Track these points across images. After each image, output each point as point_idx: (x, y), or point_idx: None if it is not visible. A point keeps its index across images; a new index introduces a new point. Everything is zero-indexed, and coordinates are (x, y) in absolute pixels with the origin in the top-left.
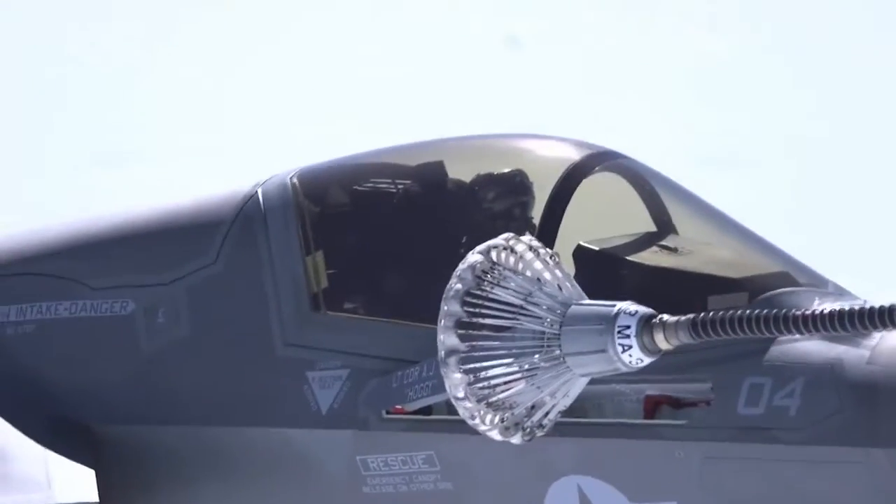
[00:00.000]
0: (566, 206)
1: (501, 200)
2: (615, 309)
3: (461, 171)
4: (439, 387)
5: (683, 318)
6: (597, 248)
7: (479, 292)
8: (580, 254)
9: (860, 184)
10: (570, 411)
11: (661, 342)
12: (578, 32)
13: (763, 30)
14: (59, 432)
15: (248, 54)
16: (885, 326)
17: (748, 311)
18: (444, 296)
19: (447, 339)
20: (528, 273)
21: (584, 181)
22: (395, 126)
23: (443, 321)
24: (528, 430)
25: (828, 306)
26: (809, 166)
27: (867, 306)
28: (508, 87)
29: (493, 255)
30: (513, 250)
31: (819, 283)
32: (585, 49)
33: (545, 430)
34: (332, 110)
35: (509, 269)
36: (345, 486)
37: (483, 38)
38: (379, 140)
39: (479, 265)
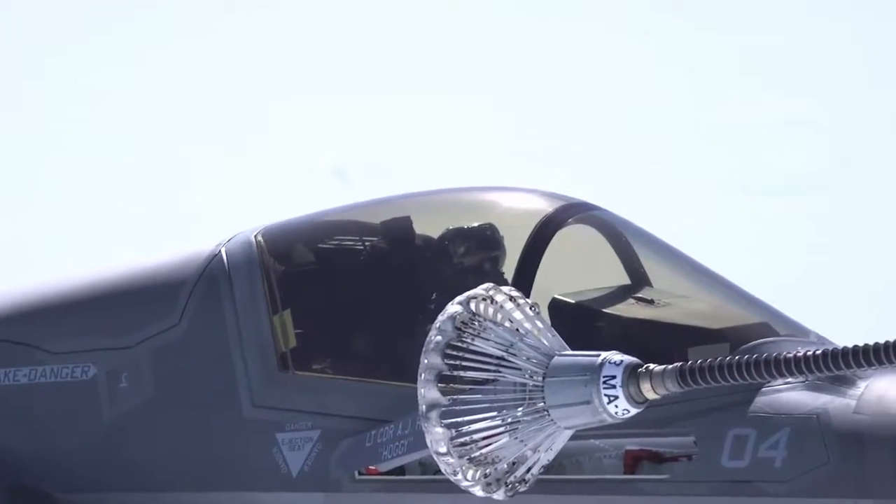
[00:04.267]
0: (540, 259)
1: (472, 255)
2: (600, 359)
3: (429, 226)
4: (415, 445)
5: (670, 366)
6: (573, 301)
7: (459, 344)
8: (556, 307)
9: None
10: (548, 468)
11: (648, 392)
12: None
13: None
14: (22, 502)
15: None
16: (878, 364)
17: (737, 358)
18: (424, 348)
19: (428, 392)
20: (509, 324)
21: (558, 234)
22: None
23: (423, 374)
24: (511, 485)
25: (819, 348)
26: None
27: (860, 345)
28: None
29: (473, 305)
30: (493, 300)
31: (800, 333)
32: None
33: (528, 484)
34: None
35: (490, 320)
36: None
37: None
38: None
39: (458, 316)
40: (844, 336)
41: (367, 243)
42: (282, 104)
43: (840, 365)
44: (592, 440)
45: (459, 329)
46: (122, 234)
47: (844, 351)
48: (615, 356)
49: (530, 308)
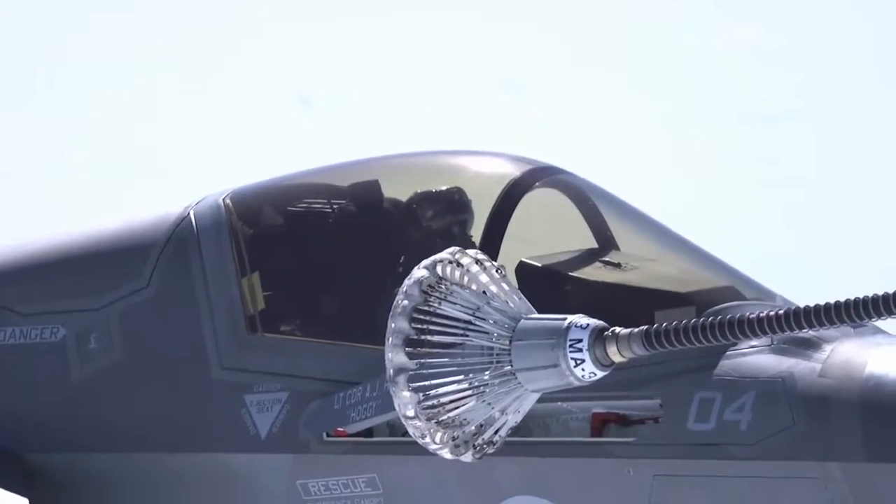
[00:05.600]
0: (507, 223)
1: (440, 219)
2: (566, 322)
3: (397, 189)
4: (383, 407)
5: (636, 329)
6: (540, 265)
7: (426, 308)
8: (523, 270)
9: None
10: (515, 430)
11: (615, 355)
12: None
13: None
14: None
15: None
16: (843, 322)
17: (702, 320)
18: (391, 313)
19: (395, 356)
20: (475, 287)
21: (525, 197)
22: None
23: (391, 339)
24: (479, 447)
25: (783, 308)
26: None
27: (824, 303)
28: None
29: (439, 269)
30: (459, 264)
31: (767, 297)
32: None
33: (496, 447)
34: None
35: (456, 284)
36: None
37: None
38: None
39: (425, 280)
40: (821, 285)
41: (335, 206)
42: (246, 32)
43: (803, 324)
44: (560, 403)
45: (426, 293)
46: (85, 166)
47: (807, 310)
48: (582, 319)
49: (497, 271)
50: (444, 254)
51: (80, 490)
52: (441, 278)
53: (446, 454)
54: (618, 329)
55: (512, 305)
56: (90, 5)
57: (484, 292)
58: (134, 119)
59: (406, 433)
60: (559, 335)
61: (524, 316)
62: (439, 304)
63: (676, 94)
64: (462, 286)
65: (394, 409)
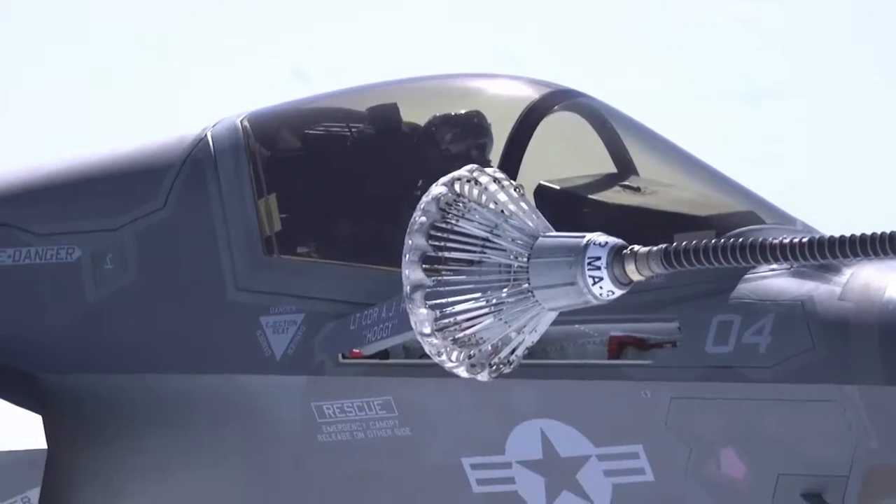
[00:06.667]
0: (526, 146)
1: (459, 142)
2: (584, 240)
3: (416, 113)
4: (399, 327)
5: (655, 248)
6: (558, 187)
7: (444, 225)
8: (542, 193)
9: None
10: (532, 353)
11: (633, 273)
12: None
13: None
14: (4, 381)
15: None
16: (864, 255)
17: (723, 241)
18: (408, 229)
19: (412, 273)
20: (493, 205)
21: (544, 121)
22: None
23: (407, 255)
24: (495, 366)
25: (806, 236)
26: None
27: (847, 235)
28: None
29: (457, 187)
30: (477, 182)
31: (787, 222)
32: None
33: (512, 366)
34: None
35: (474, 202)
36: (299, 434)
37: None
38: None
39: (443, 197)
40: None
41: (353, 129)
42: (241, 5)
43: (826, 254)
44: (577, 325)
45: (444, 210)
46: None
47: (832, 240)
48: (600, 237)
49: (515, 190)
50: (463, 171)
51: (93, 410)
52: (459, 195)
53: (462, 373)
54: (636, 247)
55: (530, 224)
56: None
57: (502, 211)
58: (128, 100)
59: (422, 355)
60: (577, 253)
61: (542, 234)
62: (457, 221)
63: (669, 69)
64: (480, 204)
65: (410, 329)
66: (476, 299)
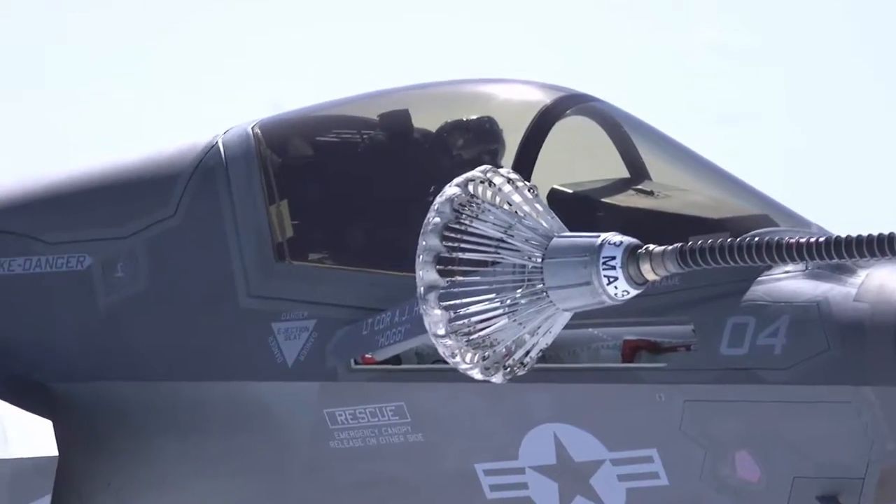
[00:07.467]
0: (538, 151)
1: (470, 148)
2: (599, 240)
3: (427, 119)
4: (412, 331)
5: (670, 247)
6: (571, 191)
7: (457, 226)
8: (555, 197)
9: None
10: (545, 357)
11: (648, 273)
12: None
13: None
14: (15, 391)
15: None
16: (882, 255)
17: (738, 240)
18: (422, 230)
19: (426, 274)
20: (507, 206)
21: (556, 125)
22: None
23: (421, 256)
24: (510, 368)
25: (821, 235)
26: None
27: (864, 234)
28: None
29: (471, 187)
30: (491, 183)
31: (802, 225)
32: None
33: (526, 368)
34: None
35: (488, 202)
36: (311, 441)
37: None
38: None
39: (456, 198)
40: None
41: (364, 136)
42: (221, 41)
43: (843, 253)
44: (591, 330)
45: (457, 211)
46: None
47: (848, 240)
48: (615, 237)
49: (529, 191)
50: (476, 172)
51: (104, 418)
52: (473, 196)
53: (476, 374)
54: (651, 246)
55: (544, 224)
56: (68, 19)
57: (516, 211)
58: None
59: (435, 360)
60: (592, 252)
61: (556, 234)
62: (471, 222)
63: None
64: (494, 205)
65: (424, 332)
66: (490, 300)
